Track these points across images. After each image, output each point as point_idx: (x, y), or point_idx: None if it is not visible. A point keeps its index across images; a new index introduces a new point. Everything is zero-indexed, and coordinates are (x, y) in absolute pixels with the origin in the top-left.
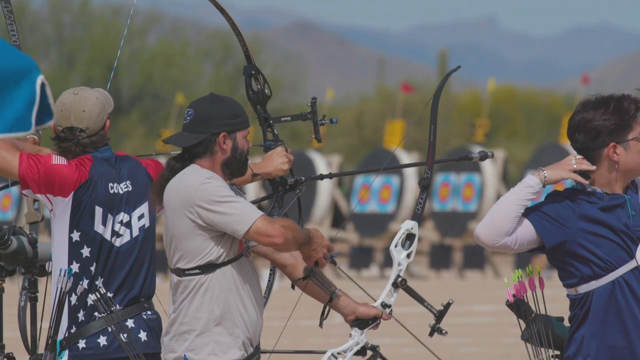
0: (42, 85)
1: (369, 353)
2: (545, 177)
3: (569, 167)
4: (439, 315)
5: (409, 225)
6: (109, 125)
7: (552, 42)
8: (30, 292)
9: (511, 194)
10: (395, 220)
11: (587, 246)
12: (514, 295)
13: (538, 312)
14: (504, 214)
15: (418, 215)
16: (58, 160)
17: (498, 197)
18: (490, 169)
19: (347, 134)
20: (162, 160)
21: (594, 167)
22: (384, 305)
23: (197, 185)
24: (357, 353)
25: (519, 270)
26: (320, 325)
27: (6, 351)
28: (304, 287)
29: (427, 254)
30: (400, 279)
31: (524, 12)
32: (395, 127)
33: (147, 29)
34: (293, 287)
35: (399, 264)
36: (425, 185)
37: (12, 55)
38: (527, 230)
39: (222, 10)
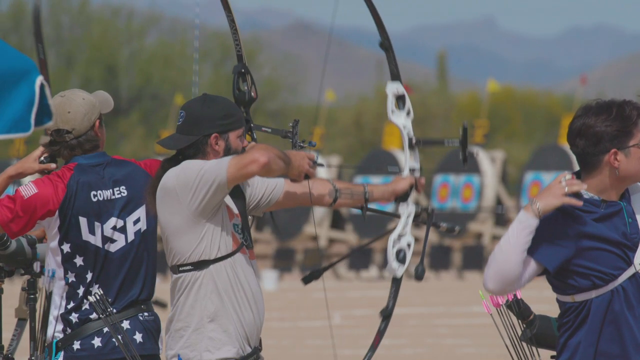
0: (42, 86)
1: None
2: (539, 209)
3: (561, 192)
4: (463, 144)
5: (393, 87)
6: (98, 126)
7: (550, 43)
8: (30, 293)
9: (511, 239)
10: (394, 221)
11: (587, 263)
12: (516, 296)
13: (519, 319)
14: (510, 265)
15: (396, 75)
16: (29, 190)
17: (497, 197)
18: (489, 170)
19: (346, 135)
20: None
21: (585, 186)
22: (412, 171)
23: (174, 177)
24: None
25: None
26: (364, 217)
27: (5, 352)
28: (339, 206)
29: (426, 254)
30: (414, 140)
31: (522, 13)
32: (394, 127)
33: (146, 30)
34: (331, 204)
35: (404, 127)
36: (387, 47)
37: (11, 56)
38: (528, 263)
39: (226, 6)
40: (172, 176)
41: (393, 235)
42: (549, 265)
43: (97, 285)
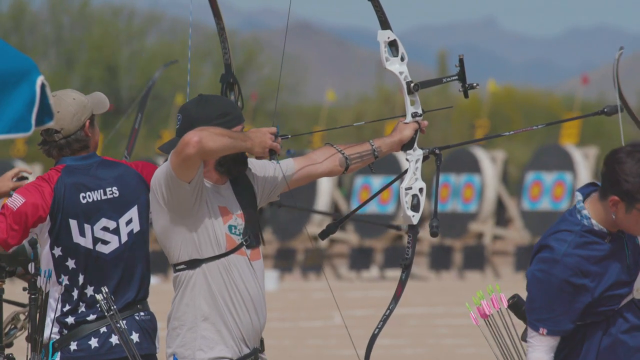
0: (42, 86)
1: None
2: None
3: None
4: (461, 77)
5: (384, 36)
6: (88, 126)
7: (551, 43)
8: (31, 294)
9: None
10: (395, 222)
11: (591, 308)
12: (515, 304)
13: (506, 327)
14: None
15: (385, 23)
16: (16, 201)
17: (498, 198)
18: (490, 170)
19: (346, 135)
20: (160, 161)
21: None
22: (415, 116)
23: (153, 177)
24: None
25: (480, 292)
26: (372, 170)
27: (6, 352)
28: (351, 171)
29: (427, 254)
30: (412, 85)
31: (523, 13)
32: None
33: (147, 30)
34: (344, 172)
35: (401, 73)
36: None
37: (11, 56)
38: (555, 338)
39: (216, 13)
40: (153, 177)
41: (404, 184)
42: (569, 329)
43: (92, 288)
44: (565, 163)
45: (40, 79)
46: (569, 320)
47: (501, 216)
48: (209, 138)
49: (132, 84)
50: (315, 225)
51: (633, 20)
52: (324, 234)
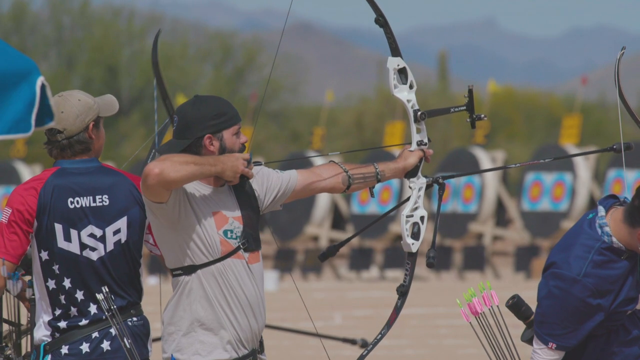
0: (42, 87)
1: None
2: None
3: None
4: (469, 107)
5: (393, 62)
6: (92, 128)
7: (551, 44)
8: (31, 294)
9: None
10: (395, 222)
11: (599, 324)
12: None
13: (498, 326)
14: None
15: (396, 50)
16: (5, 214)
17: (497, 198)
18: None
19: (347, 135)
20: None
21: None
22: (420, 144)
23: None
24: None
25: (472, 289)
26: (372, 195)
27: (6, 352)
28: (353, 190)
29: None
30: (419, 113)
31: (523, 14)
32: (395, 128)
33: (147, 31)
34: (345, 191)
35: (408, 101)
36: (382, 23)
37: (12, 56)
38: (561, 352)
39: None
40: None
41: (405, 212)
42: (575, 344)
43: (81, 292)
44: (565, 163)
45: (40, 80)
46: (579, 337)
47: (501, 217)
48: (170, 169)
49: (133, 85)
50: (316, 224)
51: (634, 20)
52: (323, 256)
